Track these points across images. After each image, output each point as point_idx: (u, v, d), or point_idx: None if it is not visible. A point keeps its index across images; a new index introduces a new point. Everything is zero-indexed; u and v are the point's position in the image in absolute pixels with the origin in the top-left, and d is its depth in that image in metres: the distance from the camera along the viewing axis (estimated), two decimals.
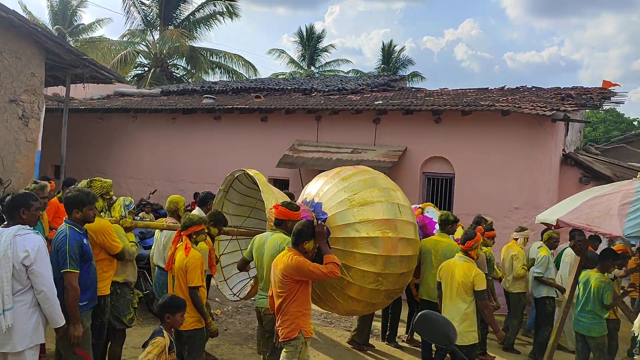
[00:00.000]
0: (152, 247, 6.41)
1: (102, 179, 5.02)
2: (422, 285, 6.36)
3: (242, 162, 12.54)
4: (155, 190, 12.73)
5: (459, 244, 5.61)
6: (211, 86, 17.52)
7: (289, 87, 15.69)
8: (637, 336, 3.53)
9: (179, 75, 27.88)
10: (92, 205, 4.38)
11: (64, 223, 4.33)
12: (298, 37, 34.63)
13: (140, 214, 9.64)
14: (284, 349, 4.45)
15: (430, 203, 7.70)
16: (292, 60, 34.25)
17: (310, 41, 34.17)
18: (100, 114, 14.72)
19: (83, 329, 4.21)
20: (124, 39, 27.67)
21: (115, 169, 14.33)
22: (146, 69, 27.37)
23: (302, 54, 34.57)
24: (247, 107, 12.41)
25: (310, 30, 34.40)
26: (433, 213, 7.15)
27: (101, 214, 4.95)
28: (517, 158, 9.81)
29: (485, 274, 6.40)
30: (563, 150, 10.59)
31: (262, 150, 12.23)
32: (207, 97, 14.37)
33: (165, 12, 26.37)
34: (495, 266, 7.10)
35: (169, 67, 27.45)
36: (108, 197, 4.95)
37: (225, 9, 26.93)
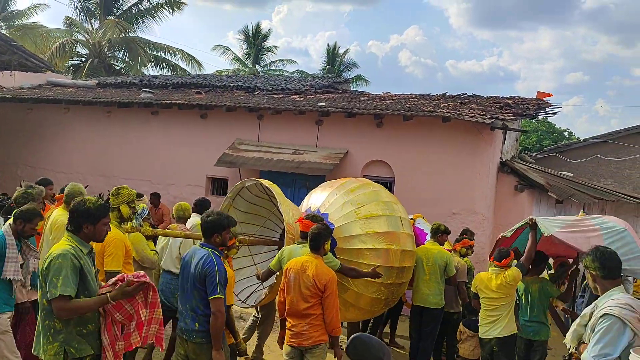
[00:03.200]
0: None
1: (128, 188, 5.04)
2: (415, 292, 6.67)
3: (180, 159, 12.21)
4: (87, 185, 12.04)
5: (493, 260, 5.87)
6: (151, 80, 16.95)
7: (232, 85, 15.37)
8: (570, 348, 3.55)
9: (118, 68, 26.90)
10: (230, 229, 4.41)
11: (200, 247, 4.31)
12: (244, 34, 34.15)
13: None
14: (311, 353, 4.68)
15: (420, 214, 8.09)
16: (236, 58, 33.75)
17: (256, 39, 33.76)
18: (29, 104, 13.94)
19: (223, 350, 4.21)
20: (63, 27, 26.41)
21: (44, 162, 13.61)
22: (83, 59, 26.26)
23: (247, 52, 34.12)
24: (186, 102, 12.02)
25: (257, 29, 34.01)
26: (423, 224, 7.64)
27: (124, 222, 5.01)
28: (456, 164, 9.93)
29: (465, 282, 6.93)
30: (500, 157, 10.81)
31: (201, 147, 11.90)
32: (145, 91, 13.86)
33: (107, 1, 25.40)
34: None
35: (108, 58, 26.45)
36: (133, 205, 4.97)
37: (168, 1, 26.21)
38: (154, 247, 5.98)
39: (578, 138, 30.94)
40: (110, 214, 4.75)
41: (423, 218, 8.00)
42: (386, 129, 10.50)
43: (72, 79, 20.14)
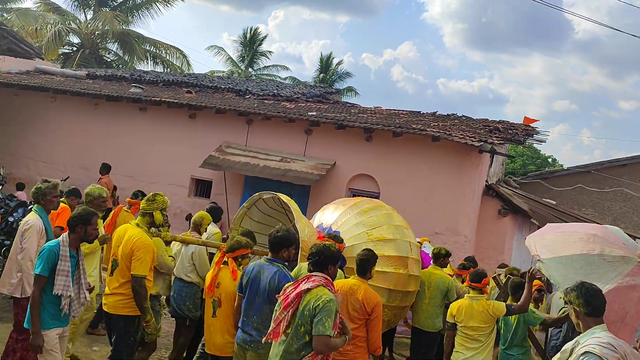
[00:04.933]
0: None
1: (163, 195, 5.10)
2: (414, 314, 6.79)
3: (165, 158, 12.06)
4: (68, 177, 11.90)
5: (469, 283, 5.75)
6: (141, 75, 16.76)
7: (223, 86, 15.27)
8: None
9: (109, 60, 26.61)
10: (296, 245, 4.65)
11: (267, 262, 4.45)
12: (242, 37, 34.03)
13: None
14: None
15: (427, 238, 8.21)
16: (230, 60, 33.65)
17: (252, 43, 33.70)
18: (15, 90, 13.70)
19: None
20: (36, 10, 25.88)
21: (26, 151, 13.38)
22: (74, 48, 25.92)
23: (241, 55, 34.03)
24: (175, 101, 11.90)
25: (254, 32, 33.98)
26: (429, 248, 7.68)
27: (160, 228, 5.12)
28: (443, 184, 9.93)
29: None
30: (486, 181, 10.84)
31: (188, 148, 11.78)
32: (135, 86, 13.72)
33: None
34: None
35: (100, 49, 26.16)
36: (165, 212, 5.08)
37: None
38: (171, 252, 6.06)
39: (562, 165, 31.29)
40: (141, 218, 4.89)
41: (429, 242, 8.10)
42: (375, 144, 10.48)
43: (62, 67, 19.88)
